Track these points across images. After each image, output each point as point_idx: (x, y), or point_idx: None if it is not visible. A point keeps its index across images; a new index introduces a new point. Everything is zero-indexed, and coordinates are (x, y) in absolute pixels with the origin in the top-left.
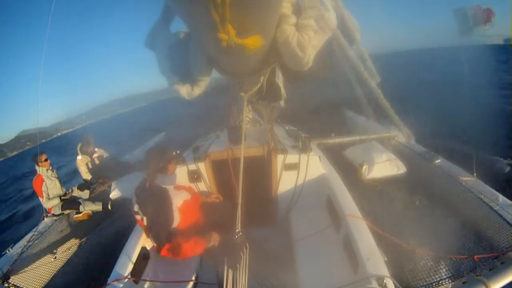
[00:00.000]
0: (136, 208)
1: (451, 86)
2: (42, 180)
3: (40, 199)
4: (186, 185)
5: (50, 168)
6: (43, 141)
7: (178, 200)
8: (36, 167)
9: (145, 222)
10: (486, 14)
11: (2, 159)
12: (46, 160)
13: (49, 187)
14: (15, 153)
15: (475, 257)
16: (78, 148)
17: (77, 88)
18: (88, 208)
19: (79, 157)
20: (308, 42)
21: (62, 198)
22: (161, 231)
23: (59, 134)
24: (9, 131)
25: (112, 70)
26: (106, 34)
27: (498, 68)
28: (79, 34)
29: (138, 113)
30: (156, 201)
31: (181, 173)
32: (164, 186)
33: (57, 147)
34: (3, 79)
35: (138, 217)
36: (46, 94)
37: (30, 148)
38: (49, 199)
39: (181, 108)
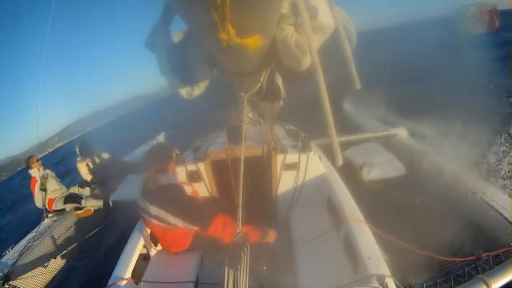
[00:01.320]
0: (152, 211)
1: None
2: (36, 181)
3: (35, 200)
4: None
5: (42, 168)
6: (19, 169)
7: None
8: (29, 171)
9: (172, 220)
10: (491, 17)
11: None
12: (37, 160)
13: (47, 185)
14: None
15: (476, 256)
16: (77, 150)
17: (44, 111)
18: (90, 204)
19: (79, 158)
20: (306, 42)
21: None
22: (196, 213)
23: (47, 152)
24: None
25: (80, 86)
26: (86, 43)
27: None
28: (54, 47)
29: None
30: (173, 195)
31: (180, 173)
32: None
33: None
34: None
35: (154, 220)
36: (14, 121)
37: (6, 178)
38: (43, 194)
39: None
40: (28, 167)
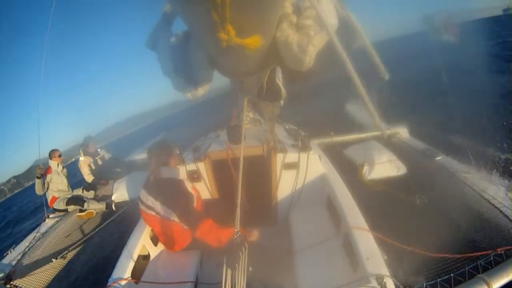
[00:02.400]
0: (150, 202)
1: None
2: (51, 172)
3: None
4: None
5: (62, 165)
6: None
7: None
8: (49, 161)
9: (167, 214)
10: (454, 30)
11: (19, 189)
12: (59, 156)
13: (54, 181)
14: (31, 182)
15: (477, 253)
16: (80, 149)
17: (85, 114)
18: (92, 207)
19: (82, 158)
20: (308, 42)
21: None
22: (189, 213)
23: (69, 162)
24: (24, 162)
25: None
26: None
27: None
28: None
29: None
30: (172, 189)
31: (180, 173)
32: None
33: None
34: (14, 112)
35: (150, 212)
36: (55, 123)
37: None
38: (43, 190)
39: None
40: (49, 157)
